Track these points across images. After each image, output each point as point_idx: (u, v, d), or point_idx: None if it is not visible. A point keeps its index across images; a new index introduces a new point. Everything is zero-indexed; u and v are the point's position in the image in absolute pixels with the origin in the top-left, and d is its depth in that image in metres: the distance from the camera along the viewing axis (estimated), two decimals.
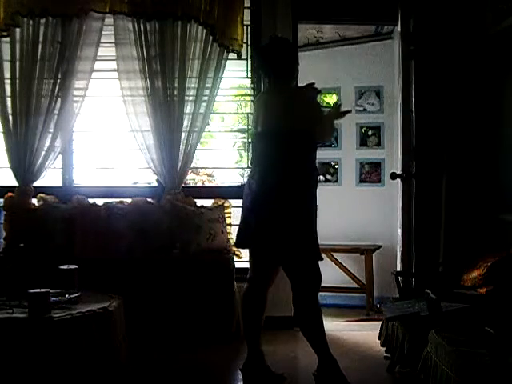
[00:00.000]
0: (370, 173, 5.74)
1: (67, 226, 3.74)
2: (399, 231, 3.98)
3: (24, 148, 3.89)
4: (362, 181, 5.76)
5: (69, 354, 2.62)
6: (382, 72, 5.54)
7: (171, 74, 3.90)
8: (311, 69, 5.38)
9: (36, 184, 3.95)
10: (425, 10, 3.90)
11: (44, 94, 3.90)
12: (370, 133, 5.75)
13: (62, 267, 3.05)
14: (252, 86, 4.23)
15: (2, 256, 3.69)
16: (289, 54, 2.98)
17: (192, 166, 4.27)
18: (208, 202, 3.99)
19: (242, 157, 5.67)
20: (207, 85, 3.93)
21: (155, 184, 4.18)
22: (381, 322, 3.29)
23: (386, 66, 5.34)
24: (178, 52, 3.89)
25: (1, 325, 2.60)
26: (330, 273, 5.32)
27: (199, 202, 3.97)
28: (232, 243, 3.93)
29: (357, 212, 5.59)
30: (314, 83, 2.93)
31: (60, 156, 4.11)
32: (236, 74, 4.41)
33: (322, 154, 5.08)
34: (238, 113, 5.67)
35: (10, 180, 3.97)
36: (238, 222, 3.04)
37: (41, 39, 3.87)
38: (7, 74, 3.92)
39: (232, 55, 3.96)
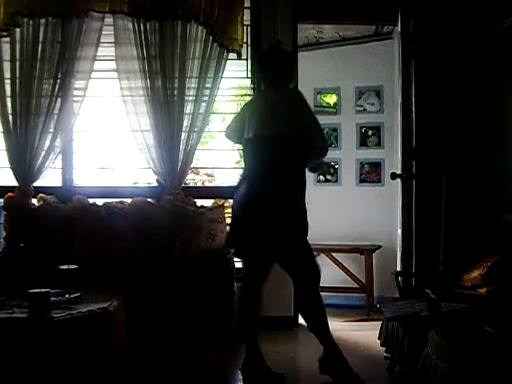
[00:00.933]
0: (370, 173, 5.74)
1: (67, 226, 3.73)
2: (399, 231, 3.98)
3: (24, 148, 3.89)
4: (362, 181, 5.76)
5: (69, 354, 2.62)
6: (382, 72, 5.54)
7: (171, 74, 3.90)
8: (311, 69, 5.41)
9: (36, 184, 3.95)
10: (425, 10, 3.90)
11: (44, 93, 3.89)
12: (369, 133, 5.75)
13: (62, 267, 3.05)
14: (252, 86, 4.23)
15: (2, 256, 3.69)
16: (287, 64, 3.04)
17: (192, 165, 4.27)
18: (208, 202, 3.99)
19: (242, 157, 5.66)
20: (207, 85, 3.92)
21: (155, 184, 4.18)
22: (381, 322, 3.29)
23: (386, 66, 5.35)
24: (178, 52, 3.89)
25: (1, 325, 2.60)
26: (329, 273, 5.33)
27: (199, 202, 3.96)
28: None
29: (357, 212, 5.59)
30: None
31: (60, 156, 4.11)
32: (236, 74, 4.40)
33: None
34: (238, 113, 5.66)
35: (10, 180, 3.97)
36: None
37: (41, 39, 3.87)
38: (7, 74, 3.91)
39: (232, 55, 3.96)
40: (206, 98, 3.93)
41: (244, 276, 3.09)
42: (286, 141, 2.83)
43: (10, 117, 3.91)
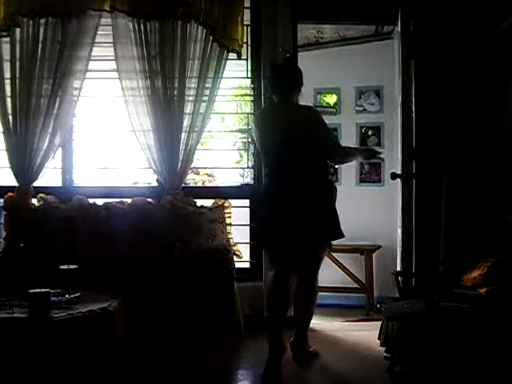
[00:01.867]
0: (370, 173, 5.74)
1: (67, 226, 3.73)
2: (399, 231, 3.98)
3: (24, 148, 3.89)
4: (362, 181, 5.76)
5: (69, 353, 2.62)
6: (382, 72, 5.54)
7: (171, 74, 3.90)
8: (311, 69, 5.38)
9: (36, 184, 3.95)
10: (425, 10, 3.90)
11: (44, 93, 3.89)
12: (370, 133, 5.75)
13: (62, 267, 3.05)
14: (252, 85, 4.24)
15: (2, 256, 3.69)
16: (297, 74, 3.37)
17: (192, 166, 4.27)
18: (208, 202, 3.99)
19: (241, 157, 5.67)
20: (207, 85, 3.92)
21: (155, 184, 4.18)
22: (381, 322, 3.29)
23: (386, 66, 5.34)
24: (178, 52, 3.89)
25: (1, 325, 2.60)
26: (329, 273, 5.32)
27: (199, 202, 3.97)
28: (232, 243, 3.94)
29: (357, 212, 5.58)
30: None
31: (60, 156, 4.11)
32: (236, 74, 4.40)
33: None
34: (238, 113, 5.67)
35: (10, 180, 3.97)
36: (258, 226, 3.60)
37: (41, 39, 3.87)
38: (7, 74, 3.91)
39: (232, 55, 3.96)
40: (206, 98, 3.93)
41: (274, 274, 3.20)
42: (310, 145, 3.19)
43: (10, 117, 3.91)
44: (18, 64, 3.88)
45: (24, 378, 2.56)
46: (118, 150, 4.53)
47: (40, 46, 3.88)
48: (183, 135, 3.92)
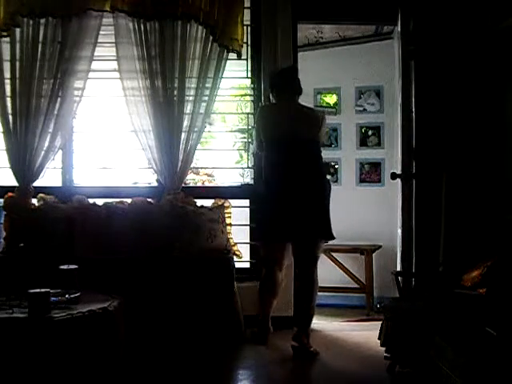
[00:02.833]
0: (370, 173, 5.74)
1: (67, 226, 3.73)
2: (399, 231, 3.98)
3: (24, 148, 3.89)
4: (362, 181, 5.76)
5: (69, 353, 2.62)
6: (382, 72, 5.54)
7: (171, 74, 3.90)
8: (311, 69, 5.40)
9: (36, 184, 3.95)
10: (425, 10, 3.90)
11: (44, 93, 3.89)
12: (370, 133, 5.75)
13: (62, 267, 3.05)
14: (252, 85, 4.24)
15: (2, 256, 3.69)
16: (297, 78, 3.74)
17: (192, 166, 4.27)
18: (208, 202, 3.99)
19: (241, 157, 5.67)
20: (207, 85, 3.92)
21: (155, 184, 4.18)
22: (381, 322, 3.29)
23: (386, 66, 5.34)
24: (178, 52, 3.89)
25: (1, 325, 2.60)
26: (329, 273, 5.33)
27: (199, 202, 3.96)
28: (232, 243, 3.94)
29: (357, 212, 5.59)
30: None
31: (60, 156, 4.11)
32: (236, 74, 4.40)
33: (322, 154, 5.07)
34: (238, 113, 5.67)
35: (10, 180, 3.97)
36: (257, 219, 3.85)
37: (41, 39, 3.87)
38: (7, 74, 3.91)
39: (232, 55, 3.96)
40: (206, 98, 3.93)
41: (266, 264, 3.67)
42: (313, 143, 3.57)
43: (10, 117, 3.91)
44: (18, 64, 3.88)
45: (24, 378, 2.56)
46: (117, 150, 4.53)
47: (40, 46, 3.87)
48: (183, 135, 3.92)
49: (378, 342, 3.25)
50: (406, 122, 3.92)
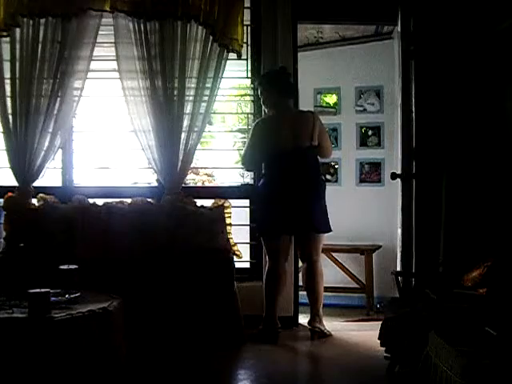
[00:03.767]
0: (370, 173, 5.74)
1: (67, 226, 3.73)
2: (399, 231, 3.98)
3: (24, 148, 3.89)
4: (362, 181, 5.77)
5: (69, 354, 2.62)
6: (382, 72, 5.54)
7: (171, 74, 3.90)
8: (311, 69, 5.41)
9: (36, 184, 3.95)
10: (425, 10, 3.89)
11: (44, 93, 3.89)
12: (370, 133, 5.76)
13: (62, 267, 3.05)
14: (252, 86, 4.24)
15: (2, 256, 3.69)
16: (291, 81, 3.92)
17: (192, 166, 4.27)
18: (208, 202, 3.99)
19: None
20: (207, 85, 3.92)
21: (155, 184, 4.18)
22: (381, 322, 3.29)
23: (386, 66, 5.35)
24: (178, 52, 3.89)
25: (1, 325, 2.60)
26: (330, 273, 5.32)
27: (199, 202, 3.96)
28: (232, 243, 3.94)
29: (357, 212, 5.59)
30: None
31: (60, 156, 4.11)
32: (236, 74, 4.40)
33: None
34: (238, 113, 5.67)
35: (10, 180, 3.97)
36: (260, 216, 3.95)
37: (41, 39, 3.86)
38: (7, 74, 3.91)
39: (232, 55, 3.96)
40: (206, 98, 3.93)
41: (271, 257, 3.84)
42: (313, 150, 3.79)
43: (10, 117, 3.91)
44: (17, 64, 3.88)
45: (24, 378, 2.56)
46: (118, 150, 4.53)
47: (40, 46, 3.87)
48: (183, 135, 3.92)
49: (378, 342, 3.25)
50: (406, 122, 3.92)
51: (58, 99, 3.91)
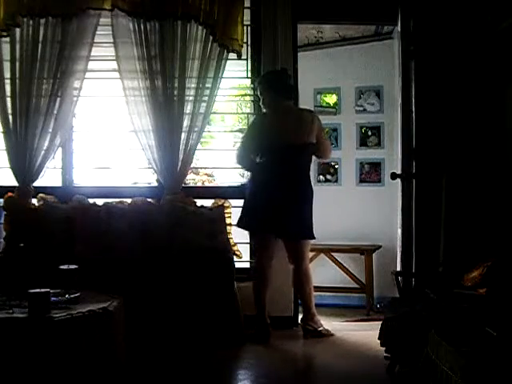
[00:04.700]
0: (370, 173, 5.74)
1: (67, 226, 3.73)
2: (399, 231, 3.98)
3: (24, 148, 3.89)
4: (362, 181, 5.76)
5: (69, 354, 2.62)
6: (382, 72, 5.54)
7: (171, 74, 3.90)
8: (311, 69, 5.41)
9: (36, 184, 3.95)
10: (425, 10, 3.89)
11: (44, 93, 3.89)
12: (369, 133, 5.75)
13: (62, 267, 3.05)
14: (252, 85, 4.24)
15: (2, 256, 3.69)
16: (291, 82, 3.92)
17: (192, 166, 4.27)
18: (208, 202, 3.99)
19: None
20: (207, 85, 3.92)
21: (155, 184, 4.18)
22: (381, 322, 3.29)
23: (386, 66, 5.34)
24: (178, 52, 3.89)
25: (1, 325, 2.60)
26: (329, 273, 5.34)
27: (199, 202, 3.97)
28: (232, 243, 3.94)
29: (357, 212, 5.59)
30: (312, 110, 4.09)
31: (60, 156, 4.11)
32: (236, 74, 4.41)
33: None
34: (238, 113, 5.67)
35: (10, 180, 3.97)
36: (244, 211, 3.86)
37: (41, 39, 3.87)
38: (7, 74, 3.91)
39: (232, 55, 3.96)
40: (206, 98, 3.93)
41: (256, 255, 3.88)
42: (308, 147, 3.76)
43: (10, 117, 3.91)
44: (17, 64, 3.88)
45: (24, 378, 2.56)
46: (117, 149, 4.53)
47: (40, 46, 3.87)
48: (183, 135, 3.92)
49: (378, 342, 3.24)
50: (406, 121, 3.92)
51: (58, 99, 3.91)
